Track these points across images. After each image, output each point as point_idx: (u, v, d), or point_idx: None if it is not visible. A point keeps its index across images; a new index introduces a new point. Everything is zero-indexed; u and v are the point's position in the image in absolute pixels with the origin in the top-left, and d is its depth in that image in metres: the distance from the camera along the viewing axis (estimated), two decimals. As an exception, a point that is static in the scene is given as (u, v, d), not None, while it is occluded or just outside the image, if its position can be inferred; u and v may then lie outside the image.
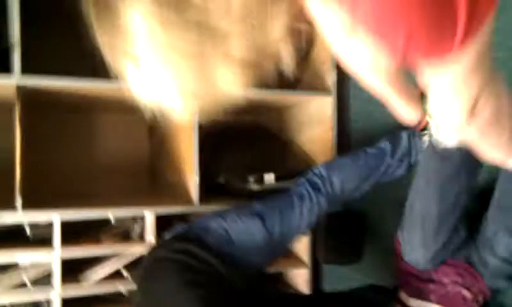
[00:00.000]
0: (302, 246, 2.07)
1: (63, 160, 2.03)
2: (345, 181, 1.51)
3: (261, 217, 1.30)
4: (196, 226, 1.30)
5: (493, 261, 1.18)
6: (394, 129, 1.61)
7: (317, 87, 1.92)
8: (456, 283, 1.25)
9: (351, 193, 1.54)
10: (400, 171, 1.56)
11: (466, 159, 1.16)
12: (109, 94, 1.56)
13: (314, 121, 1.97)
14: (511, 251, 1.15)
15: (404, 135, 1.55)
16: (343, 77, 1.88)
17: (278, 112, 2.24)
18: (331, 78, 1.87)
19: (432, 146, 1.21)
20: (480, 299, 1.25)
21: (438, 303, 1.29)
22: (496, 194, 1.19)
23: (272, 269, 2.04)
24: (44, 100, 1.62)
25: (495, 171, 1.21)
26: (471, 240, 1.26)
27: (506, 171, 1.14)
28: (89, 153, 2.10)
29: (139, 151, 2.19)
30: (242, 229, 1.26)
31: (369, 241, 1.87)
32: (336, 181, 1.49)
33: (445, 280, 1.27)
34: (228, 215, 1.30)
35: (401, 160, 1.54)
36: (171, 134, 1.88)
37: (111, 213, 1.49)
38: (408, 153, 1.54)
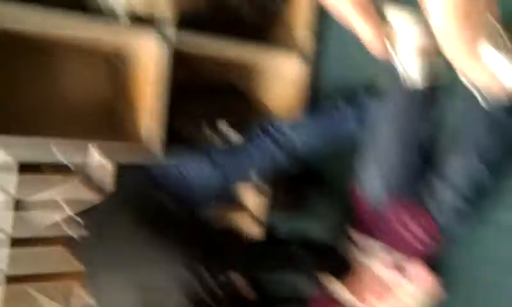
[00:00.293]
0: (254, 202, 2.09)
1: (21, 100, 1.94)
2: (307, 141, 1.52)
3: (215, 162, 1.31)
4: (153, 169, 1.30)
5: (445, 194, 1.18)
6: (363, 92, 1.62)
7: (288, 45, 1.90)
8: (406, 226, 1.27)
9: (311, 154, 1.56)
10: (361, 134, 1.57)
11: (426, 98, 1.17)
12: (70, 34, 1.49)
13: (284, 80, 1.95)
14: (463, 177, 1.14)
15: (367, 99, 1.56)
16: (315, 37, 1.87)
17: (248, 71, 2.21)
18: (303, 38, 1.85)
19: (396, 84, 1.21)
20: (431, 243, 1.28)
21: (388, 244, 1.32)
22: (453, 121, 1.20)
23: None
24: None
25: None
26: (427, 180, 1.26)
27: (465, 99, 1.13)
28: (49, 95, 2.01)
29: (100, 95, 2.11)
30: (198, 172, 1.27)
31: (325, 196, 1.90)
32: (297, 140, 1.50)
33: (397, 220, 1.29)
34: (184, 160, 1.31)
35: (361, 122, 1.55)
36: (134, 79, 1.83)
37: (53, 146, 1.42)
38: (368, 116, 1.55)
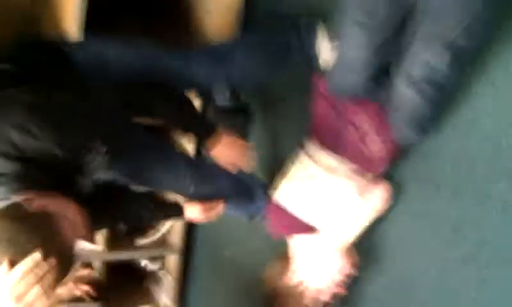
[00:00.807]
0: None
1: None
2: (245, 67, 1.43)
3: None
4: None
5: (406, 92, 1.10)
6: (305, 10, 1.54)
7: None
8: (365, 135, 1.26)
9: (249, 80, 1.49)
10: (300, 59, 1.51)
11: None
12: None
13: (219, 3, 1.83)
14: (428, 69, 1.05)
15: (310, 25, 1.48)
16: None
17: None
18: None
19: None
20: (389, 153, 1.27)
21: (349, 160, 1.31)
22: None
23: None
24: None
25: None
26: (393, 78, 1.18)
27: None
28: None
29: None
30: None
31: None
32: (236, 65, 1.42)
33: (358, 123, 1.28)
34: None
35: (303, 50, 1.48)
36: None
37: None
38: (310, 43, 1.47)
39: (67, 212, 0.90)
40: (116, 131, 1.19)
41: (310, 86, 1.45)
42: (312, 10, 1.53)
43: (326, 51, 1.43)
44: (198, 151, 1.90)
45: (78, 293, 1.92)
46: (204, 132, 1.36)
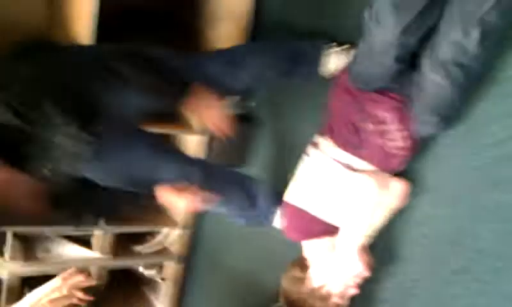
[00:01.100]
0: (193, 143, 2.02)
1: None
2: (256, 70, 1.44)
3: None
4: None
5: (433, 77, 1.09)
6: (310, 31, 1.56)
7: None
8: (385, 130, 1.24)
9: (259, 83, 1.50)
10: (303, 79, 1.53)
11: None
12: None
13: (228, 16, 1.83)
14: (456, 49, 1.04)
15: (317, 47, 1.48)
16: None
17: (193, 2, 2.06)
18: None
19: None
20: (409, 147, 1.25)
21: (367, 159, 1.28)
22: None
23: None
24: None
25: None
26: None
27: None
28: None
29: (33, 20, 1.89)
30: None
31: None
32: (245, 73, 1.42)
33: (379, 117, 1.25)
34: None
35: (309, 71, 1.49)
36: (69, 8, 1.64)
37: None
38: (316, 63, 1.49)
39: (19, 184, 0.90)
40: (93, 109, 1.17)
41: (320, 87, 1.46)
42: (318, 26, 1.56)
43: (332, 62, 1.46)
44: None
45: (74, 300, 1.90)
46: (178, 90, 1.29)
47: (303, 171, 1.42)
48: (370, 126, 1.27)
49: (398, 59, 1.15)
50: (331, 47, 1.47)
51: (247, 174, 1.64)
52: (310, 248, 1.42)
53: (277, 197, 1.55)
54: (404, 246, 1.35)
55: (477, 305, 1.18)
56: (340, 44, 1.46)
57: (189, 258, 2.30)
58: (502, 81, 1.13)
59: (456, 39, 1.02)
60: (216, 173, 1.53)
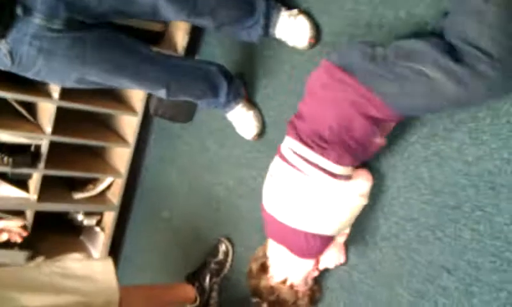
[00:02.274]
0: (136, 94, 2.01)
1: None
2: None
3: None
4: None
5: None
6: None
7: None
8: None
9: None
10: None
11: None
12: None
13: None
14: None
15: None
16: None
17: None
18: None
19: None
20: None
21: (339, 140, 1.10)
22: None
23: (100, 109, 1.97)
24: None
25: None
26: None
27: None
28: None
29: None
30: None
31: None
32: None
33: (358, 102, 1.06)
34: None
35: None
36: None
37: None
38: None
39: None
40: None
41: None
42: None
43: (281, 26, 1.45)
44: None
45: (4, 238, 1.88)
46: None
47: (275, 180, 1.24)
48: (349, 108, 1.09)
49: None
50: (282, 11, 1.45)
51: (211, 61, 1.63)
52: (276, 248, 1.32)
53: (239, 92, 1.60)
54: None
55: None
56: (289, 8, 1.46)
57: (129, 208, 2.31)
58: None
59: None
60: (178, 65, 1.53)
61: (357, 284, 1.33)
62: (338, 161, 1.12)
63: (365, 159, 1.21)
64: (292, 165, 1.16)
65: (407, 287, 1.21)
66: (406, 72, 1.00)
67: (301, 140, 1.14)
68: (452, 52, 0.96)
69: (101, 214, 2.28)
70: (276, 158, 1.23)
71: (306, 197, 1.16)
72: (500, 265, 1.04)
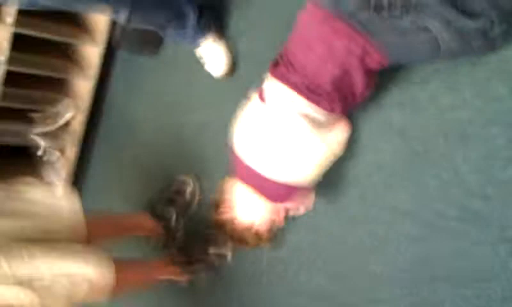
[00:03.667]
0: (100, 21, 1.88)
1: None
2: None
3: None
4: None
5: None
6: None
7: None
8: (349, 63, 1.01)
9: None
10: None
11: None
12: None
13: None
14: None
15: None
16: None
17: None
18: None
19: None
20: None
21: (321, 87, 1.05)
22: None
23: (58, 38, 1.84)
24: None
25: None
26: None
27: None
28: None
29: None
30: None
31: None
32: None
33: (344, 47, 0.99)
34: None
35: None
36: None
37: None
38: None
39: None
40: None
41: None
42: None
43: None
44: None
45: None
46: None
47: (247, 119, 1.20)
48: (334, 55, 1.03)
49: None
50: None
51: None
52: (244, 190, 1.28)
53: (209, 24, 1.52)
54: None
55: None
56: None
57: (92, 145, 2.23)
58: None
59: None
60: None
61: (323, 228, 1.34)
62: (331, 110, 1.08)
63: (351, 109, 1.18)
64: (276, 110, 1.10)
65: (371, 232, 1.22)
66: (411, 26, 0.95)
67: (296, 87, 1.07)
68: (459, 7, 0.92)
69: (62, 151, 2.20)
70: (255, 100, 1.17)
71: (284, 144, 1.12)
72: (462, 214, 1.05)
